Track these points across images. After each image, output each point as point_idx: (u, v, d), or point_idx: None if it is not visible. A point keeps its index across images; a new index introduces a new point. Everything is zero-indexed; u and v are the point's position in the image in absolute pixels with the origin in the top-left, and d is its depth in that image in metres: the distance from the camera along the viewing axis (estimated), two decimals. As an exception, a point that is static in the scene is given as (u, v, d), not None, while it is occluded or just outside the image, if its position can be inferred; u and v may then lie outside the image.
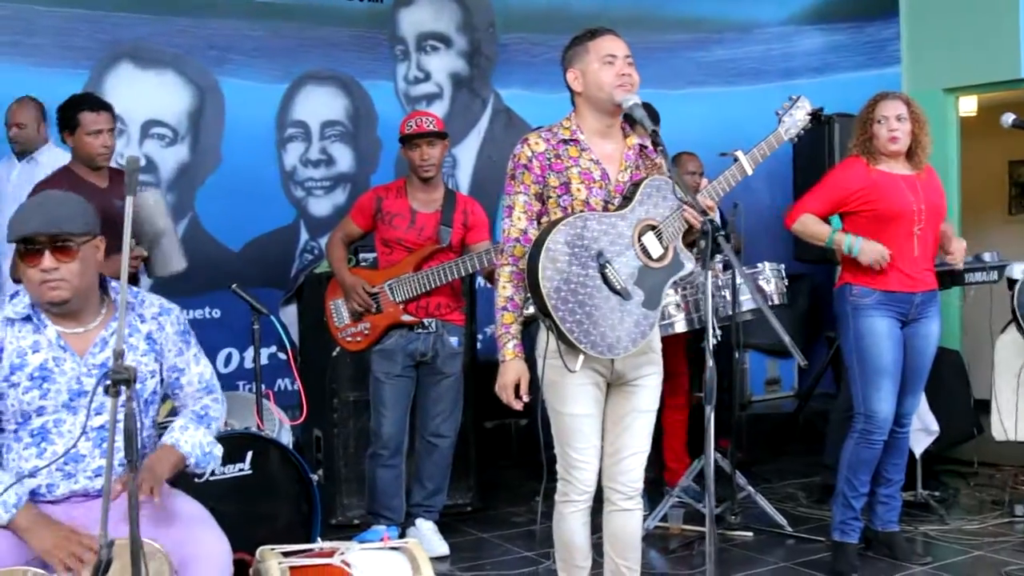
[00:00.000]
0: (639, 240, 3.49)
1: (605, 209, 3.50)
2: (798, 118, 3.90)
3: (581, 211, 3.46)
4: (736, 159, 3.77)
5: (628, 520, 3.68)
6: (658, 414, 5.72)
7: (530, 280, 3.40)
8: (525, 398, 3.53)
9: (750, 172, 3.76)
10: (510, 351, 3.52)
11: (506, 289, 3.54)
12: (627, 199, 3.52)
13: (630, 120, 3.61)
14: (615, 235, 3.45)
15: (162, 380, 3.25)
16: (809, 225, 4.67)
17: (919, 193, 4.61)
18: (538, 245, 3.39)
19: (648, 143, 3.59)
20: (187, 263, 4.94)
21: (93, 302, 3.15)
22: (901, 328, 4.63)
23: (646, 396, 3.64)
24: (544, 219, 3.53)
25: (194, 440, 3.20)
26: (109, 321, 3.16)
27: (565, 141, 3.54)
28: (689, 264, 3.57)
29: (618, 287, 3.41)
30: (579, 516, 3.63)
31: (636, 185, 3.54)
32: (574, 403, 3.54)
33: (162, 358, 3.24)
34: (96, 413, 3.04)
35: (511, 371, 3.52)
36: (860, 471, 4.66)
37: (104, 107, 4.92)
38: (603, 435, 3.63)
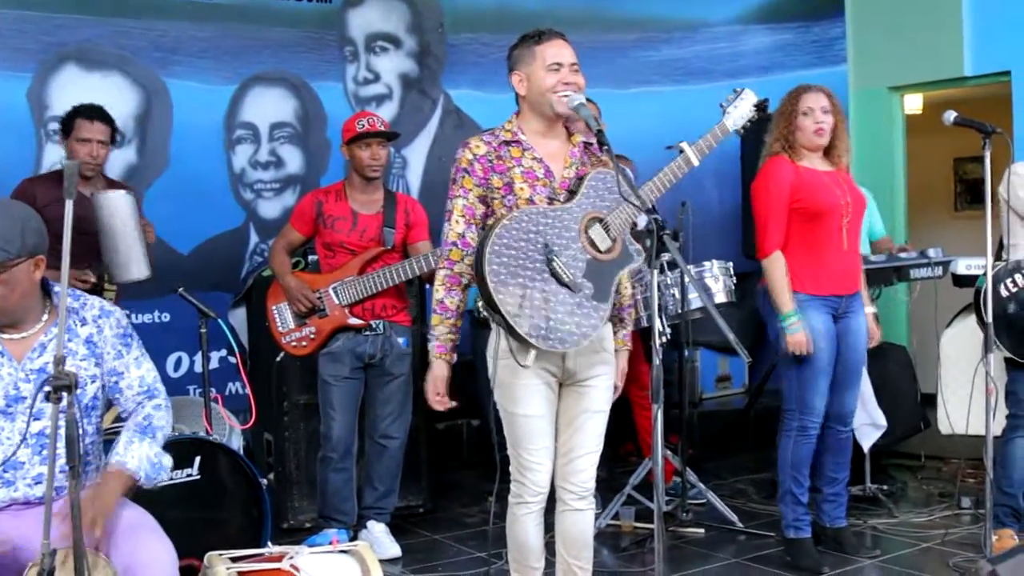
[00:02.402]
0: (586, 232, 3.48)
1: (551, 204, 3.50)
2: (743, 110, 3.89)
3: (535, 207, 3.46)
4: (681, 150, 3.73)
5: (580, 519, 3.69)
6: (631, 414, 5.87)
7: (477, 277, 3.40)
8: (446, 401, 3.58)
9: (696, 163, 3.72)
10: (432, 352, 3.57)
11: (438, 292, 3.57)
12: (572, 193, 3.53)
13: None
14: (561, 228, 3.44)
15: (104, 385, 3.21)
16: (776, 277, 4.58)
17: (843, 187, 4.64)
18: (483, 242, 3.39)
19: (594, 140, 3.59)
20: (150, 272, 4.85)
21: (33, 310, 3.10)
22: (834, 323, 4.67)
23: (597, 396, 3.64)
24: (490, 220, 3.53)
25: (141, 455, 3.14)
26: (50, 326, 3.12)
27: (507, 143, 3.56)
28: (639, 257, 3.57)
29: (566, 279, 3.40)
30: (532, 518, 3.64)
31: (581, 179, 3.55)
32: (526, 404, 3.54)
33: (102, 362, 3.19)
34: (35, 419, 3.00)
35: (430, 373, 3.57)
36: (803, 466, 4.70)
37: (100, 118, 4.99)
38: (556, 435, 3.63)
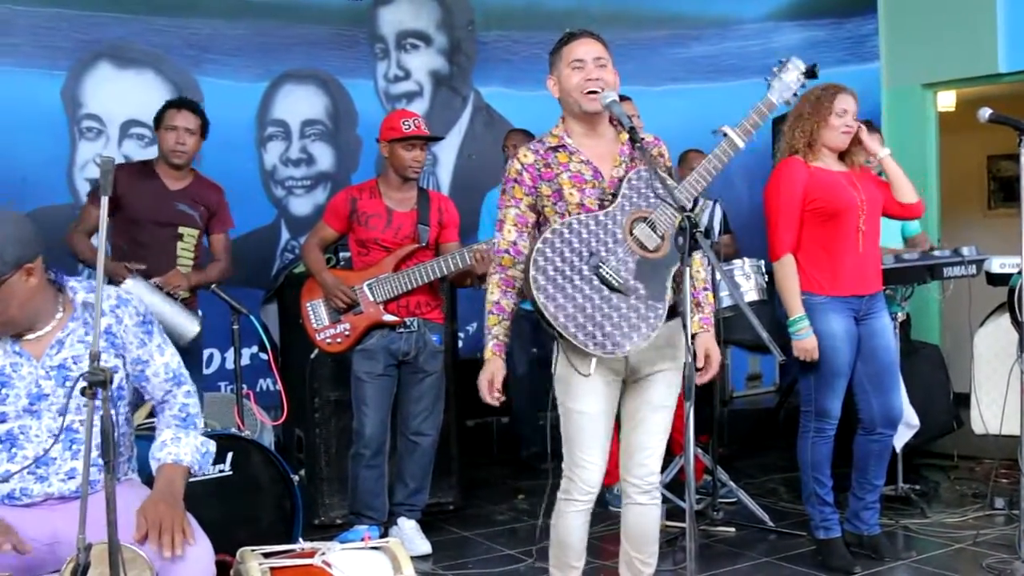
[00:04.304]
0: (631, 233, 3.46)
1: (601, 206, 3.49)
2: (789, 80, 3.75)
3: (578, 214, 3.46)
4: (725, 134, 3.62)
5: (643, 514, 3.67)
6: None
7: (529, 295, 3.43)
8: (500, 396, 3.57)
9: (741, 145, 3.61)
10: (489, 350, 3.57)
11: (493, 294, 3.59)
12: (614, 195, 3.50)
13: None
14: (605, 233, 3.43)
15: (127, 375, 3.20)
16: (786, 281, 4.54)
17: (857, 187, 4.59)
18: (528, 259, 3.42)
19: (646, 136, 3.58)
20: (198, 326, 4.78)
21: (43, 311, 3.07)
22: (856, 325, 4.62)
23: (659, 390, 3.61)
24: (544, 228, 3.53)
25: (190, 447, 3.20)
26: (67, 322, 3.11)
27: (554, 149, 3.56)
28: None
29: (616, 284, 3.39)
30: (579, 516, 3.63)
31: (622, 180, 3.51)
32: (584, 400, 3.53)
33: (124, 352, 3.16)
34: (59, 414, 3.02)
35: (486, 369, 3.57)
36: (823, 466, 4.67)
37: (189, 107, 5.05)
38: (620, 431, 3.65)
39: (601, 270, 3.39)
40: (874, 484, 4.79)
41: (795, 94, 3.80)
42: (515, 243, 3.56)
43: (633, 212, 3.47)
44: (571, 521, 3.63)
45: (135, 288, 4.60)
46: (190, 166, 5.14)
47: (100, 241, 2.68)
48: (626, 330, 3.39)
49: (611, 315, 3.39)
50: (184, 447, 3.19)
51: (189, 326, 4.72)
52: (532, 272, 3.38)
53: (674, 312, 3.50)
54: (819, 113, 4.56)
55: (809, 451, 4.66)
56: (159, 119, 5.04)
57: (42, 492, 3.07)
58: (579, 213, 3.46)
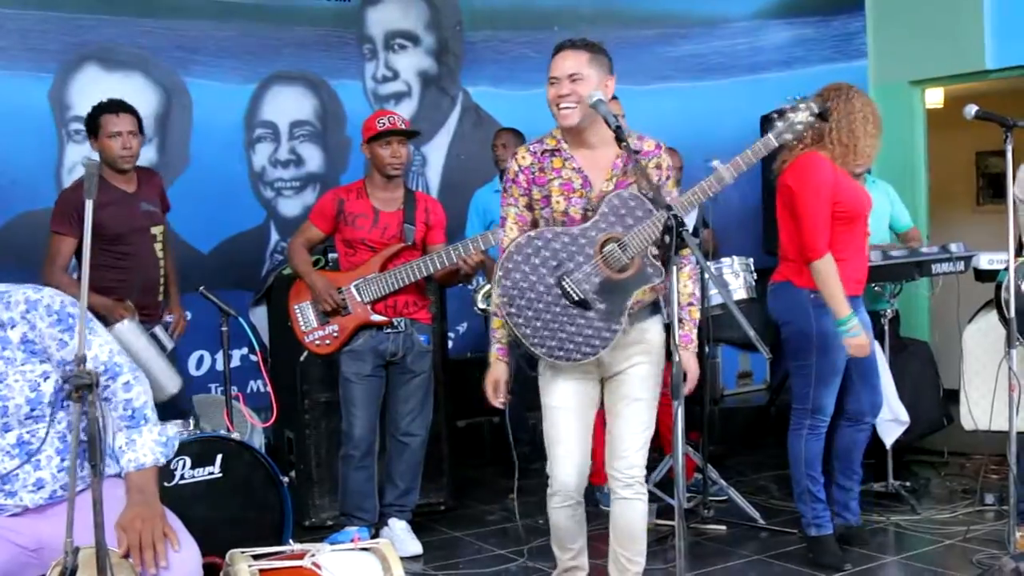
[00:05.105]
0: (601, 252, 3.54)
1: (584, 218, 3.59)
2: (796, 120, 3.69)
3: (562, 221, 3.59)
4: (715, 168, 3.63)
5: (626, 509, 3.72)
6: None
7: (494, 291, 3.60)
8: (503, 399, 3.70)
9: (729, 182, 3.63)
10: (493, 354, 3.71)
11: (497, 292, 3.64)
12: (593, 211, 3.59)
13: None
14: (576, 249, 3.54)
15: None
16: (831, 279, 4.42)
17: (865, 192, 4.66)
18: (498, 262, 3.58)
19: (637, 147, 3.62)
20: (180, 382, 4.74)
21: None
22: None
23: (633, 384, 3.69)
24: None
25: (147, 446, 3.07)
26: None
27: (550, 152, 3.64)
28: (657, 276, 3.58)
29: (576, 298, 3.53)
30: (562, 511, 3.74)
31: (603, 199, 3.58)
32: (553, 395, 3.69)
33: (48, 356, 2.98)
34: (3, 431, 2.98)
35: (490, 373, 3.74)
36: (816, 463, 4.68)
37: (125, 109, 4.98)
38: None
39: (564, 282, 3.53)
40: (858, 472, 4.87)
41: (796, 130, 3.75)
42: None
43: (607, 233, 3.56)
44: (555, 515, 3.76)
45: (128, 332, 4.54)
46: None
47: (85, 246, 2.67)
48: (578, 342, 3.55)
49: (565, 325, 3.52)
50: (141, 448, 3.06)
51: (168, 385, 4.60)
52: (498, 272, 3.55)
53: (645, 314, 3.66)
54: (869, 126, 4.55)
55: (803, 448, 4.67)
56: (95, 126, 4.93)
57: (16, 506, 3.03)
58: (554, 226, 3.59)
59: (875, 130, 4.57)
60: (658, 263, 3.59)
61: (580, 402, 3.68)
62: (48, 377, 3.00)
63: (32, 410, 2.97)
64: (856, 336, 4.43)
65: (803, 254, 4.48)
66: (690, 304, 3.74)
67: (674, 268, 3.26)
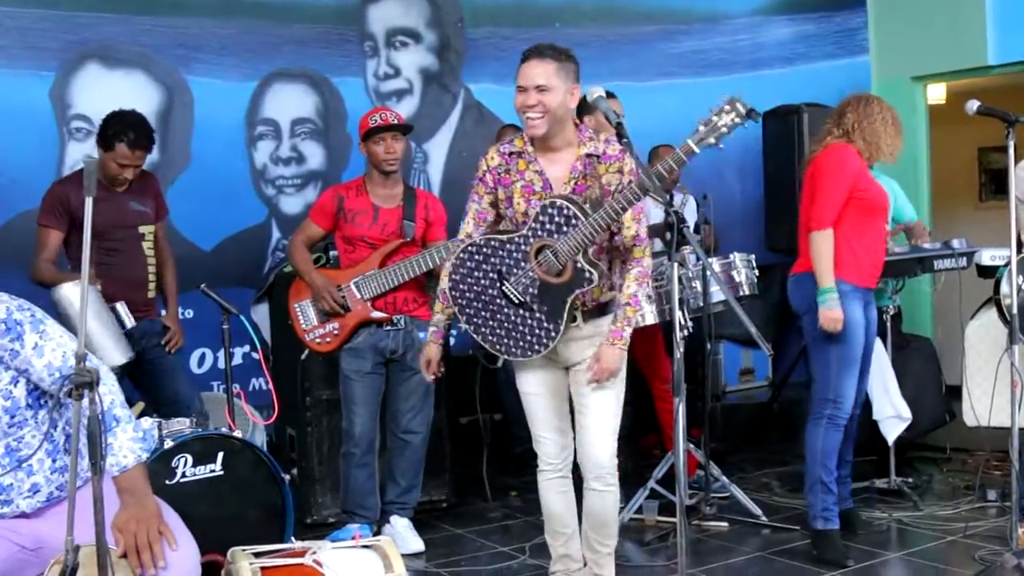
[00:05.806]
0: (536, 258, 3.69)
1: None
2: (722, 123, 3.44)
3: (522, 221, 3.75)
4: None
5: (596, 500, 3.87)
6: (653, 408, 5.87)
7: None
8: (434, 374, 4.01)
9: (642, 195, 3.54)
10: (429, 334, 4.01)
11: (443, 281, 3.92)
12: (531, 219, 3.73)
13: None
14: (514, 254, 3.73)
15: (28, 380, 2.98)
16: (825, 251, 4.57)
17: (884, 190, 4.76)
18: (449, 268, 3.87)
19: (600, 151, 3.71)
20: (131, 354, 4.70)
21: None
22: None
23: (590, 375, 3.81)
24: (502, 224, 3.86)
25: (125, 447, 2.98)
26: None
27: (517, 154, 3.78)
28: (595, 276, 3.66)
29: (516, 301, 3.73)
30: (551, 485, 3.95)
31: (539, 206, 3.70)
32: (524, 382, 3.94)
33: (6, 365, 2.93)
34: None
35: (424, 352, 4.02)
36: (833, 455, 4.73)
37: (142, 147, 4.98)
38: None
39: (504, 285, 3.74)
40: (846, 459, 4.96)
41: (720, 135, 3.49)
42: (471, 235, 3.87)
43: (541, 240, 3.69)
44: (546, 491, 3.98)
45: (76, 295, 4.47)
46: None
47: (85, 242, 2.67)
48: (530, 340, 3.75)
49: (517, 326, 3.76)
50: (120, 451, 2.97)
51: (110, 357, 4.51)
52: (447, 283, 3.83)
53: (604, 310, 3.84)
54: (895, 127, 4.73)
55: (821, 439, 4.72)
56: (109, 144, 4.90)
57: (13, 512, 3.02)
58: (498, 233, 3.79)
59: (895, 130, 4.72)
60: (592, 266, 3.67)
61: (551, 387, 3.90)
62: (17, 381, 2.96)
63: (12, 417, 2.97)
64: (832, 309, 4.53)
65: (807, 224, 4.63)
66: (628, 304, 3.78)
67: (674, 264, 3.31)
